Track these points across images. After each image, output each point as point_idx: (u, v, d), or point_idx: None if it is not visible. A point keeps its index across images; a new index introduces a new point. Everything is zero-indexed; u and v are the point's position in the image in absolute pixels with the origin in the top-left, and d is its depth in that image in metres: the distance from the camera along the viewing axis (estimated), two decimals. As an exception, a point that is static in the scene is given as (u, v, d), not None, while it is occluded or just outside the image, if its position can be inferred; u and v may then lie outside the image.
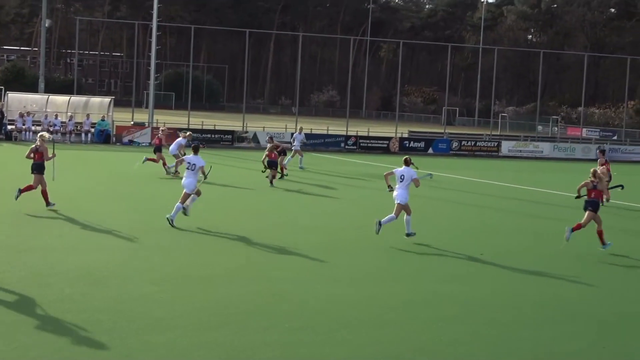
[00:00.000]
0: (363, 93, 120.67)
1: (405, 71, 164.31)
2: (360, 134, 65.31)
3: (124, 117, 61.58)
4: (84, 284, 14.66)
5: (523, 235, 23.33)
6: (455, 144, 64.18)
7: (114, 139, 55.56)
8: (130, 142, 55.44)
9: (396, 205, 20.80)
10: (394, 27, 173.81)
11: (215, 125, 66.17)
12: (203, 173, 21.87)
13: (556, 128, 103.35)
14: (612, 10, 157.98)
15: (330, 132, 65.68)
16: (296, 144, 42.87)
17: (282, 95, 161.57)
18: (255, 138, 59.88)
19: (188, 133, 37.93)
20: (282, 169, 35.93)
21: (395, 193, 20.92)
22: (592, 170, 21.18)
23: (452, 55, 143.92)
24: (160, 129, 39.88)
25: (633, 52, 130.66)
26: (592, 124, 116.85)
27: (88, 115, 55.52)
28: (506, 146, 65.65)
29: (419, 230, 21.31)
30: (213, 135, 59.85)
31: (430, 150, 62.75)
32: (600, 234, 20.80)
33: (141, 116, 68.58)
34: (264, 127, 66.56)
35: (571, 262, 19.37)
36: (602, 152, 34.71)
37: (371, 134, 67.26)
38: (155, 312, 13.10)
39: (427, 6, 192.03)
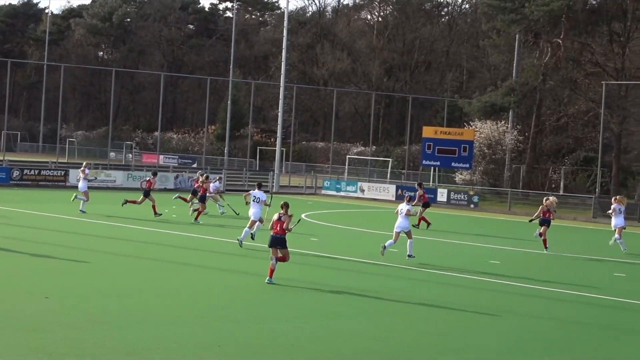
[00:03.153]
0: None
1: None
2: None
3: None
4: None
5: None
6: (16, 173, 63.69)
7: None
8: None
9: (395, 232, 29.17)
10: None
11: None
12: None
13: (130, 155, 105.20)
14: (191, 26, 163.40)
15: None
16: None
17: None
18: None
19: None
20: None
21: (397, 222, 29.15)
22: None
23: (13, 73, 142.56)
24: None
25: (213, 72, 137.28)
26: (170, 150, 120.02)
27: None
28: (74, 175, 65.58)
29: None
30: None
31: (-13, 180, 62.00)
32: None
33: None
34: None
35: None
36: (420, 185, 48.15)
37: None
38: None
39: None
